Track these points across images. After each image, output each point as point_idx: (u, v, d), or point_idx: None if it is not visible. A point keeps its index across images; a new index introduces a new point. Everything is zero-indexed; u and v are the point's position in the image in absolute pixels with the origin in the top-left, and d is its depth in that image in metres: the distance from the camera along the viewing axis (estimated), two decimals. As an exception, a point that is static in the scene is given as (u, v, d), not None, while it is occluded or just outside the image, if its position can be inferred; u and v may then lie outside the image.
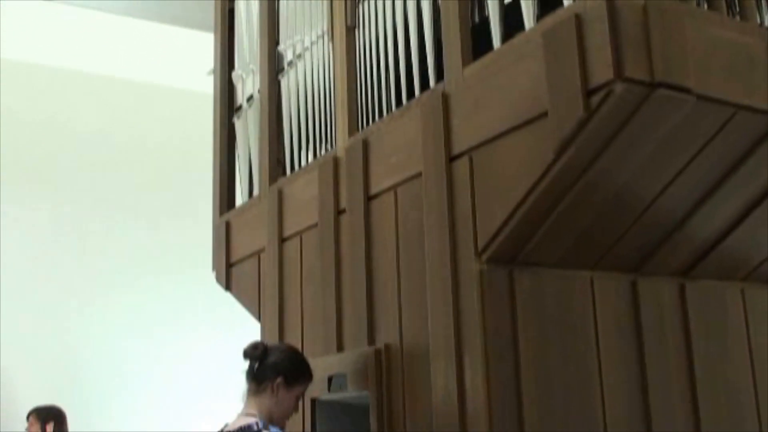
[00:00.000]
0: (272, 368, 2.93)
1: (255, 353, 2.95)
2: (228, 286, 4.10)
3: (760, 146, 2.60)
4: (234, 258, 4.06)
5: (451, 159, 2.72)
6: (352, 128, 3.30)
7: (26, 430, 5.67)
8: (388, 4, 3.20)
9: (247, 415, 2.90)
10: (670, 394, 2.81)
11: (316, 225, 3.40)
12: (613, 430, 2.66)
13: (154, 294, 6.71)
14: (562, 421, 2.59)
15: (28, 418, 5.69)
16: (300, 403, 3.03)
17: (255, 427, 2.82)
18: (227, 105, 4.42)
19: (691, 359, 2.87)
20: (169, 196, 6.84)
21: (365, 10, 3.34)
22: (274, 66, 3.96)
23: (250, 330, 3.87)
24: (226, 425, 2.95)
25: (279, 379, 2.91)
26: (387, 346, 2.91)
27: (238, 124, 4.26)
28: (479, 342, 2.54)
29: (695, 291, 2.95)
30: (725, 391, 2.92)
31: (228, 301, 4.15)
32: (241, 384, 2.99)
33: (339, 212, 3.27)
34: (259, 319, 3.83)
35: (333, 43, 3.49)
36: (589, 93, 2.27)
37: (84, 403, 6.28)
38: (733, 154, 2.61)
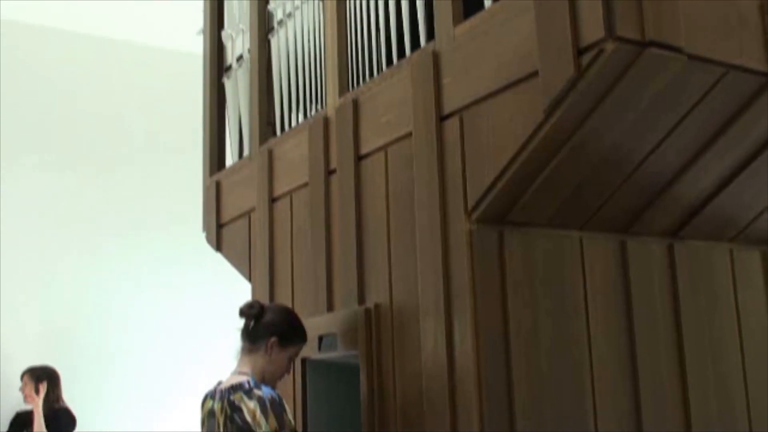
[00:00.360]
0: (267, 328, 2.94)
1: (251, 312, 2.97)
2: (218, 247, 4.10)
3: (750, 107, 2.60)
4: (224, 218, 4.05)
5: (442, 119, 2.72)
6: (343, 88, 3.29)
7: (20, 389, 5.71)
8: (379, -38, 3.17)
9: (240, 373, 2.92)
10: (657, 354, 2.83)
11: (306, 185, 3.40)
12: (600, 388, 2.69)
13: (146, 252, 6.69)
14: (550, 379, 2.62)
15: (21, 377, 5.73)
16: (292, 365, 3.05)
17: (246, 386, 2.83)
18: (217, 65, 4.39)
19: (679, 319, 2.89)
20: (160, 157, 6.81)
21: (356, -32, 3.32)
22: (264, 25, 3.93)
23: (242, 287, 3.89)
24: (219, 383, 2.97)
25: (273, 339, 2.92)
26: (377, 306, 2.93)
27: (228, 84, 4.24)
28: (468, 301, 2.55)
29: (684, 251, 2.96)
30: (712, 351, 2.94)
31: (221, 259, 4.16)
32: (235, 342, 3.01)
33: (329, 172, 3.27)
34: (249, 279, 3.83)
35: (323, 2, 3.46)
36: (579, 52, 2.26)
37: (76, 362, 6.30)
38: (724, 114, 2.61)
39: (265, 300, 3.53)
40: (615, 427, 2.70)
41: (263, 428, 2.74)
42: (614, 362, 2.74)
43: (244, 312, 2.98)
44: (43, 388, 5.63)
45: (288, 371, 3.02)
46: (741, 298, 3.06)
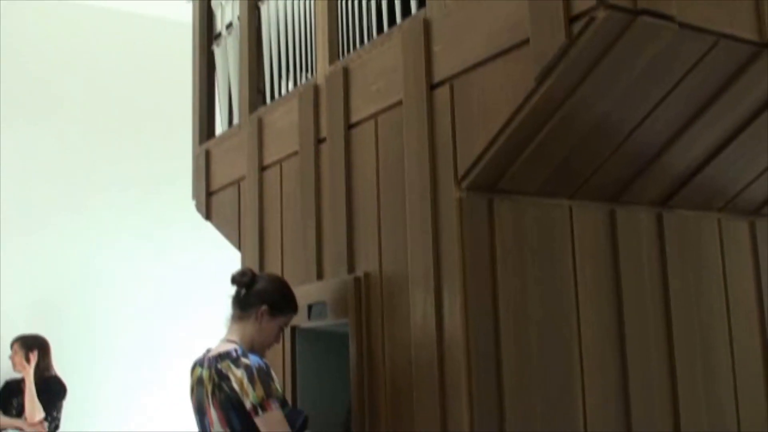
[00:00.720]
0: (258, 296, 2.95)
1: (242, 280, 2.97)
2: (208, 215, 4.09)
3: (740, 76, 2.59)
4: (214, 187, 4.04)
5: (432, 87, 2.71)
6: (333, 56, 3.27)
7: (9, 357, 5.72)
8: (370, -72, 3.14)
9: (228, 341, 2.92)
10: (645, 322, 2.85)
11: (296, 153, 3.39)
12: (588, 357, 2.71)
13: (136, 219, 6.67)
14: (538, 347, 2.63)
15: (11, 346, 5.73)
16: (282, 335, 3.05)
17: (233, 354, 2.84)
18: (206, 33, 4.36)
19: (667, 287, 2.91)
20: (150, 125, 6.77)
21: (346, -66, 3.29)
22: (254, -8, 3.90)
23: (233, 254, 3.88)
24: (208, 351, 2.97)
25: (263, 308, 2.93)
26: (367, 274, 2.93)
27: (218, 52, 4.21)
28: (458, 269, 2.55)
29: (672, 221, 2.97)
30: (699, 319, 2.96)
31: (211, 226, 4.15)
32: (226, 309, 3.01)
33: (319, 141, 3.26)
34: (239, 248, 3.83)
35: (313, -31, 3.43)
36: (571, 20, 2.25)
37: (64, 330, 6.30)
38: (714, 84, 2.61)
39: (254, 269, 3.53)
40: (602, 396, 2.72)
41: (251, 397, 2.75)
42: (602, 330, 2.76)
43: (236, 280, 2.98)
44: (33, 356, 5.64)
45: (277, 341, 3.03)
46: (729, 268, 3.08)
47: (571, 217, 2.77)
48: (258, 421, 2.76)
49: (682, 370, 2.88)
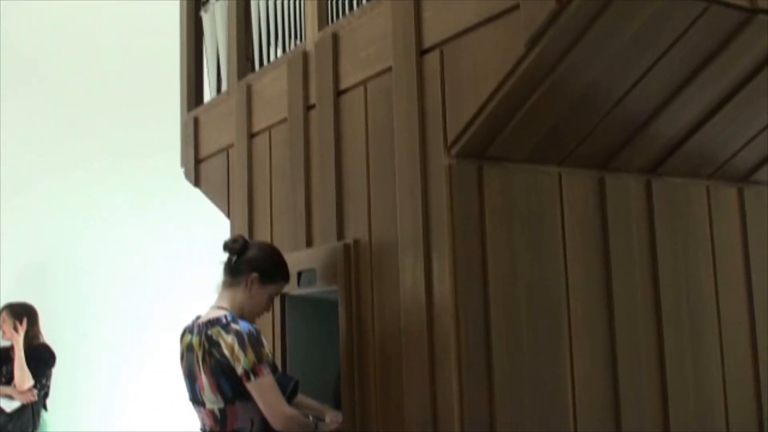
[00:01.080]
0: (249, 263, 2.95)
1: (234, 246, 2.97)
2: (197, 183, 4.08)
3: (730, 43, 2.59)
4: (202, 154, 4.03)
5: (422, 53, 2.69)
6: (322, 22, 3.24)
7: (-4, 326, 5.71)
8: None
9: (218, 308, 2.93)
10: (633, 288, 2.87)
11: (285, 120, 3.38)
12: (576, 322, 2.73)
13: (124, 185, 6.66)
14: (526, 313, 2.65)
15: (-1, 314, 5.73)
16: (272, 303, 3.06)
17: (223, 320, 2.85)
18: (194, -2, 4.33)
19: (655, 254, 2.92)
20: (139, 92, 6.73)
21: None
22: (243, -43, 3.87)
23: (223, 220, 3.88)
24: (198, 317, 2.98)
25: (254, 275, 2.93)
26: (356, 241, 2.93)
27: (206, 18, 4.17)
28: (447, 236, 2.56)
29: (661, 188, 2.98)
30: (687, 286, 2.98)
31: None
32: (216, 276, 3.01)
33: (308, 107, 3.25)
34: (228, 215, 3.83)
35: (302, -67, 3.40)
36: (562, -15, 2.24)
37: (51, 298, 6.31)
38: (704, 51, 2.60)
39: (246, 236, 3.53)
40: (590, 360, 2.74)
41: (242, 362, 2.76)
42: (590, 297, 2.77)
43: (228, 246, 2.98)
44: (22, 324, 5.63)
45: (267, 309, 3.03)
46: (717, 235, 3.09)
47: (560, 184, 2.77)
48: (250, 386, 2.78)
49: (669, 335, 2.90)
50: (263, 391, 2.78)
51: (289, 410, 2.84)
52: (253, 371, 2.76)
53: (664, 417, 2.86)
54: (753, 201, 3.21)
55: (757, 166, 3.17)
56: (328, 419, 3.02)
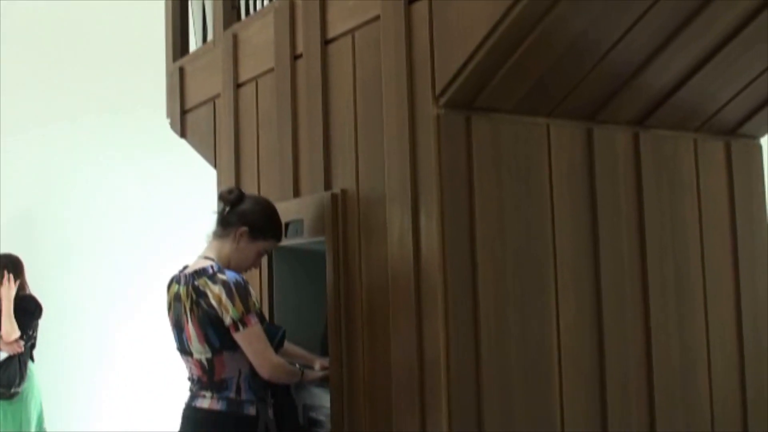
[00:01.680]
0: (240, 216, 2.94)
1: (228, 197, 2.96)
2: (183, 133, 4.05)
3: (720, -6, 2.57)
4: (188, 105, 3.99)
5: (410, 1, 2.66)
6: (309, -31, 3.20)
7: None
8: None
9: (205, 258, 2.93)
10: (619, 240, 2.88)
11: (272, 70, 3.35)
12: (563, 273, 2.74)
13: (111, 135, 6.61)
14: (513, 264, 2.66)
15: (-15, 265, 5.70)
16: (261, 259, 3.05)
17: (210, 271, 2.85)
18: (179, -55, 4.26)
19: (642, 206, 2.93)
20: (126, 41, 6.65)
21: None
22: None
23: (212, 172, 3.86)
24: (185, 267, 2.98)
25: (243, 228, 2.92)
26: (344, 192, 2.93)
27: (191, -35, 4.12)
28: (435, 187, 2.56)
29: (649, 140, 2.98)
30: (673, 238, 3.00)
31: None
32: (205, 227, 3.01)
33: (295, 57, 3.21)
34: (215, 166, 3.81)
35: None
36: (551, -67, 2.22)
37: (38, 249, 6.29)
38: (692, 3, 2.58)
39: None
40: (576, 311, 2.76)
41: (230, 312, 2.77)
42: (577, 247, 2.78)
43: (223, 196, 2.97)
44: (8, 276, 5.62)
45: (255, 265, 3.03)
46: (703, 188, 3.10)
47: (548, 135, 2.77)
48: (238, 336, 2.79)
49: (654, 287, 2.92)
50: (251, 340, 2.79)
51: (277, 359, 2.86)
52: (242, 321, 2.77)
53: (648, 364, 2.89)
54: (740, 154, 3.21)
55: (745, 120, 3.17)
56: (317, 366, 3.04)
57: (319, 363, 3.05)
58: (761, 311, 3.18)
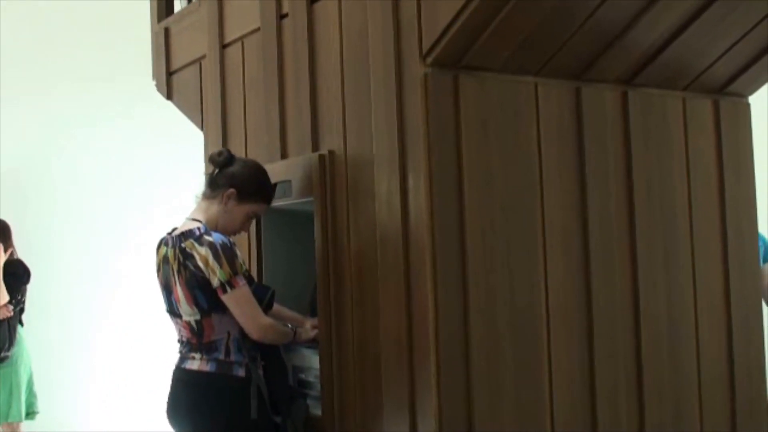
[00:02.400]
0: (228, 178, 2.93)
1: (218, 159, 2.95)
2: (169, 95, 4.01)
3: (708, -50, 2.55)
4: (174, 66, 3.95)
5: (397, -42, 2.64)
6: (295, -73, 3.16)
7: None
8: None
9: (192, 220, 2.92)
10: (607, 200, 2.88)
11: (258, 30, 3.31)
12: (551, 235, 2.74)
13: (99, 97, 6.56)
14: (502, 225, 2.66)
15: (-28, 232, 5.68)
16: (249, 223, 3.03)
17: (196, 233, 2.84)
18: None
19: (630, 165, 2.92)
20: (110, 5, 6.58)
21: None
22: None
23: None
24: (174, 229, 2.97)
25: (231, 190, 2.91)
26: (331, 152, 2.91)
27: (175, -76, 4.06)
28: (422, 146, 2.54)
29: (637, 99, 2.97)
30: (661, 195, 3.00)
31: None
32: (192, 189, 3.00)
33: (281, 16, 3.18)
34: (201, 128, 3.78)
35: None
36: None
37: (28, 214, 6.27)
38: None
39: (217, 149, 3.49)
40: (564, 272, 2.77)
41: (218, 274, 2.77)
42: (565, 208, 2.78)
43: (212, 158, 2.96)
44: (-1, 243, 5.61)
45: (243, 229, 3.01)
46: (691, 147, 3.09)
47: (536, 94, 2.75)
48: (226, 298, 2.79)
49: (642, 247, 2.92)
50: (239, 302, 2.79)
51: (266, 320, 2.86)
52: (229, 283, 2.77)
53: (635, 324, 2.90)
54: (728, 113, 3.21)
55: (733, 78, 3.16)
56: (307, 325, 3.04)
57: (309, 323, 3.05)
58: (748, 270, 3.19)
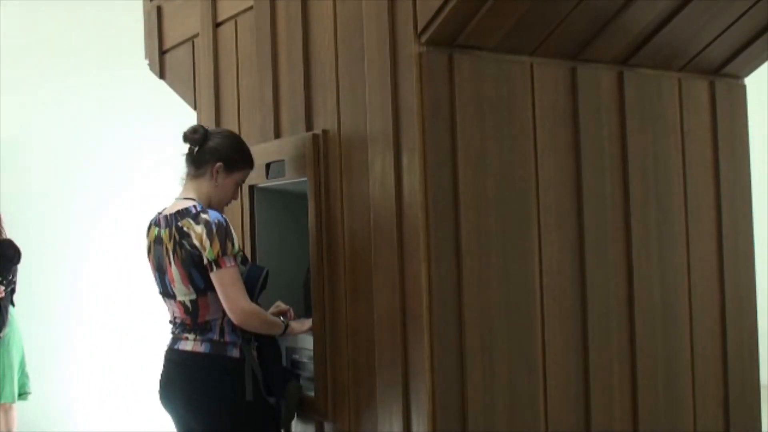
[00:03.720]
0: (212, 152, 2.90)
1: (195, 137, 2.91)
2: (161, 74, 3.99)
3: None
4: (167, 44, 3.93)
5: (392, -64, 2.61)
6: None
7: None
8: None
9: (185, 199, 2.90)
10: (602, 180, 2.87)
11: (251, 8, 3.28)
12: (545, 213, 2.74)
13: (89, 82, 6.53)
14: (496, 203, 2.65)
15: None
16: (239, 190, 3.03)
17: (193, 211, 2.82)
18: None
19: (625, 147, 2.92)
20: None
21: None
22: None
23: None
24: (162, 210, 2.95)
25: (218, 164, 2.89)
26: (325, 132, 2.89)
27: None
28: (417, 126, 2.53)
29: (633, 79, 2.96)
30: (655, 177, 2.99)
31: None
32: (179, 168, 2.97)
33: (275, -6, 3.16)
34: (194, 107, 3.76)
35: None
36: None
37: (24, 197, 6.25)
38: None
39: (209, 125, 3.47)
40: (558, 249, 2.76)
41: (207, 252, 2.75)
42: (560, 187, 2.78)
43: (188, 137, 2.92)
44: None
45: (235, 197, 3.01)
46: (687, 127, 3.09)
47: (531, 73, 2.74)
48: (212, 276, 2.78)
49: (637, 227, 2.92)
50: (223, 283, 2.77)
51: (249, 305, 2.81)
52: (216, 262, 2.75)
53: (629, 302, 2.91)
54: (724, 94, 3.20)
55: (729, 60, 3.15)
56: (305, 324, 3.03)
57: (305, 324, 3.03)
58: (742, 250, 3.20)
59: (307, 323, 3.00)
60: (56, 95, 6.49)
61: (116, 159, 6.69)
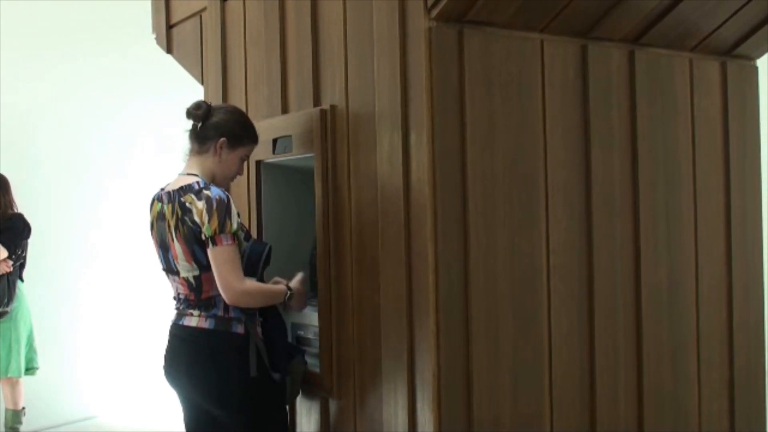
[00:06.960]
0: (215, 128, 2.89)
1: (198, 113, 2.90)
2: (168, 49, 3.97)
3: None
4: (174, 19, 3.91)
5: None
6: None
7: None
8: None
9: (188, 175, 2.88)
10: (611, 159, 2.85)
11: (259, -18, 3.27)
12: (553, 192, 2.72)
13: (98, 62, 6.52)
14: (504, 181, 2.63)
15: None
16: (244, 166, 3.02)
17: (196, 187, 2.81)
18: None
19: (635, 126, 2.90)
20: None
21: None
22: None
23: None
24: (165, 186, 2.93)
25: (222, 140, 2.88)
26: (333, 107, 2.88)
27: None
28: (425, 102, 2.51)
29: (644, 58, 2.93)
30: (665, 158, 2.98)
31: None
32: (183, 144, 2.96)
33: (284, -32, 3.14)
34: (201, 82, 3.74)
35: None
36: None
37: (33, 174, 6.25)
38: None
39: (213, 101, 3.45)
40: (566, 230, 2.75)
41: (205, 228, 2.73)
42: (569, 165, 2.76)
43: (191, 113, 2.91)
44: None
45: (240, 173, 2.99)
46: (697, 108, 3.07)
47: (541, 51, 2.71)
48: (209, 252, 2.76)
49: (645, 207, 2.91)
50: (217, 260, 2.75)
51: (241, 285, 2.78)
52: (212, 239, 2.74)
53: (636, 283, 2.90)
54: (736, 76, 3.18)
55: (741, 40, 3.13)
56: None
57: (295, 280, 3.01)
58: (750, 232, 3.18)
59: (299, 276, 2.99)
60: (67, 72, 6.48)
61: (125, 134, 6.69)
